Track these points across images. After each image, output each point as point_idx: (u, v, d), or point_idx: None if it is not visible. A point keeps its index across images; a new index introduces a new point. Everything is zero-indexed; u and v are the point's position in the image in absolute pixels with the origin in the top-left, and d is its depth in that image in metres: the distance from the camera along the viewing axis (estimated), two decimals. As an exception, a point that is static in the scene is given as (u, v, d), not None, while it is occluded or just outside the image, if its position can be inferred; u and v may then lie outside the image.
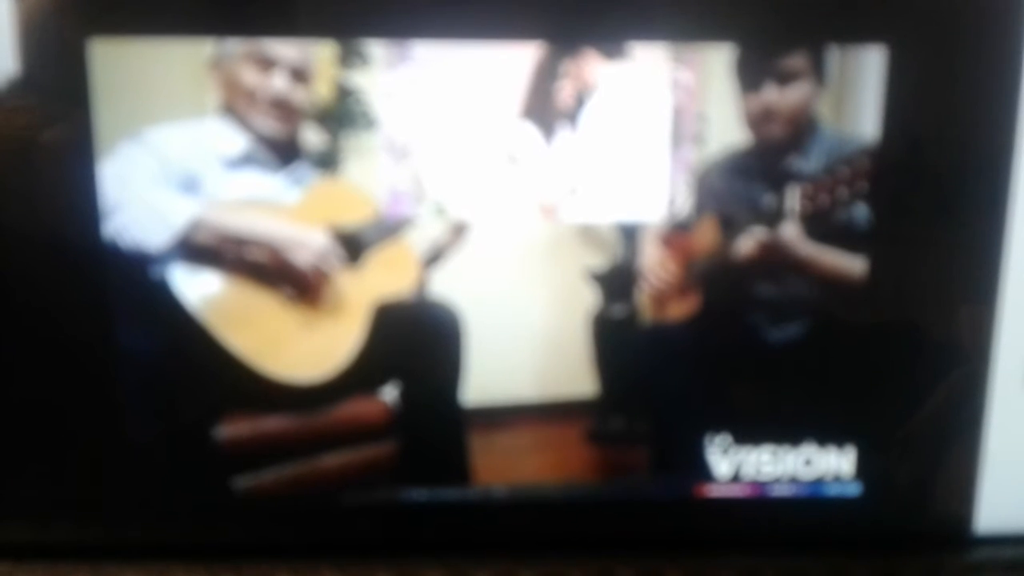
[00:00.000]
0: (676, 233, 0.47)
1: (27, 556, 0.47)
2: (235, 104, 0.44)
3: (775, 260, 0.47)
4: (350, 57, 0.43)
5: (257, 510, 0.48)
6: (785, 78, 0.45)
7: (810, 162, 0.46)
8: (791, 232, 0.46)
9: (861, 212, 0.46)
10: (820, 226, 0.46)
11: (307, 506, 0.48)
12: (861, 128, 0.45)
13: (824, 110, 0.45)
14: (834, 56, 0.44)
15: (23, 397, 0.46)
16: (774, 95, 0.45)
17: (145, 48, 0.42)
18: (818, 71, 0.44)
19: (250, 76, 0.43)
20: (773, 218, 0.46)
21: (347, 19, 0.43)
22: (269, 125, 0.44)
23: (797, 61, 0.44)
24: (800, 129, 0.45)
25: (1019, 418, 0.48)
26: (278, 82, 0.43)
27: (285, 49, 0.43)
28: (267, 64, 0.43)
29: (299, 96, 0.44)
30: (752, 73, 0.45)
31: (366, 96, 0.44)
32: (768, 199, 0.46)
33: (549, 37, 0.44)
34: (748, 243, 0.46)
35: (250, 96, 0.44)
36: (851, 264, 0.46)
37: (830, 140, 0.45)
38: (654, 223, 0.46)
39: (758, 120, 0.45)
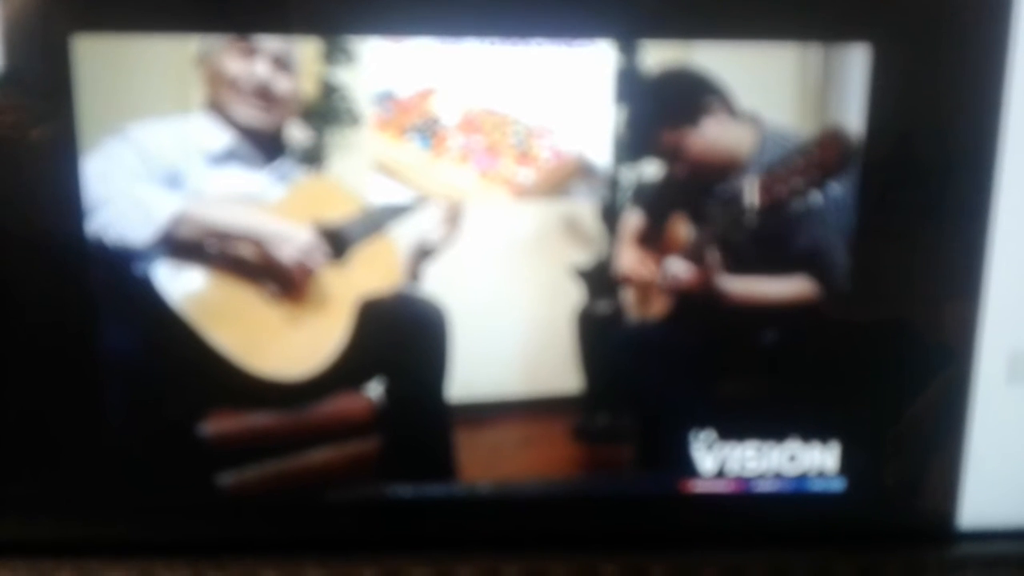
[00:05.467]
0: (650, 232, 0.47)
1: (10, 554, 0.47)
2: (220, 97, 0.44)
3: (705, 295, 0.47)
4: (335, 54, 0.43)
5: (242, 506, 0.48)
6: (674, 156, 0.45)
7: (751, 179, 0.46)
8: (715, 273, 0.46)
9: (799, 232, 0.46)
10: (752, 255, 0.46)
11: (292, 502, 0.48)
12: (846, 126, 0.45)
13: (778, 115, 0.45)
14: (817, 54, 0.44)
15: (5, 394, 0.45)
16: (683, 171, 0.46)
17: (129, 45, 0.42)
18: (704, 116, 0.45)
19: (233, 65, 0.43)
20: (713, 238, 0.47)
21: (332, 16, 0.43)
22: (253, 115, 0.44)
23: (670, 137, 0.45)
24: (730, 162, 0.46)
25: (1002, 415, 0.49)
26: (260, 69, 0.43)
27: (267, 38, 0.43)
28: (249, 52, 0.43)
29: (283, 86, 0.44)
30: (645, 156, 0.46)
31: (351, 93, 0.44)
32: (704, 223, 0.47)
33: (536, 32, 0.44)
34: (678, 280, 0.47)
35: (233, 85, 0.44)
36: (787, 288, 0.47)
37: (782, 139, 0.45)
38: (629, 224, 0.47)
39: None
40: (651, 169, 0.46)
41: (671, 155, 0.46)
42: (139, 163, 0.43)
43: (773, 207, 0.46)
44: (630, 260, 0.47)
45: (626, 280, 0.48)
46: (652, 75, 0.44)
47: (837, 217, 0.46)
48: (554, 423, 0.49)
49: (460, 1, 0.43)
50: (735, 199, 0.46)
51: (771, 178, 0.46)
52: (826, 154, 0.45)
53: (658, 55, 0.44)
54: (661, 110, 0.45)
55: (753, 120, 0.45)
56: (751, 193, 0.46)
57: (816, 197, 0.45)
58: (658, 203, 0.47)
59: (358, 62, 0.43)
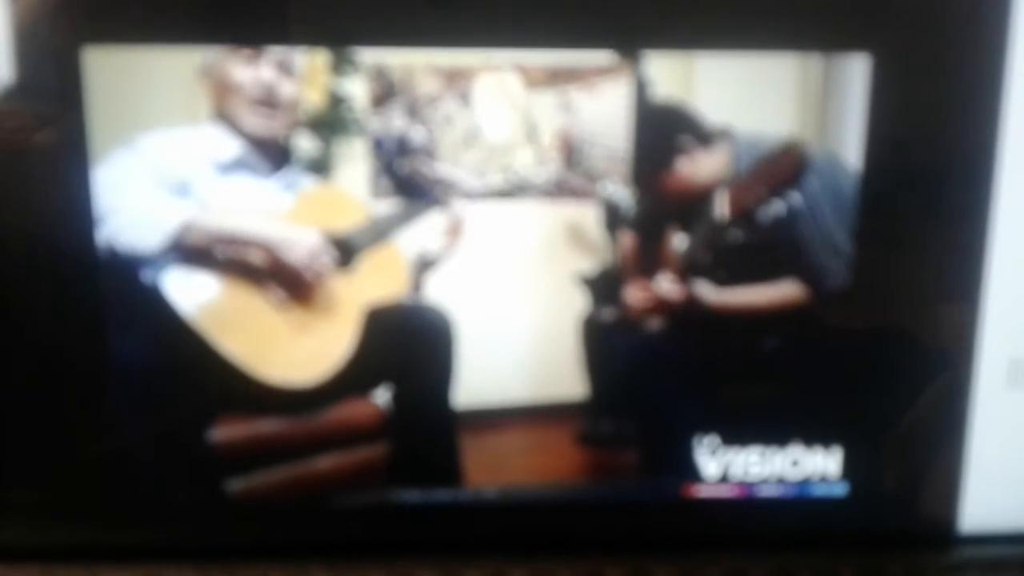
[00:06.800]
0: (645, 253, 0.48)
1: (21, 558, 0.47)
2: (226, 106, 0.44)
3: (693, 312, 0.48)
4: (342, 65, 0.44)
5: (250, 512, 0.48)
6: (654, 190, 0.46)
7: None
8: (700, 288, 0.47)
9: (785, 238, 0.47)
10: (742, 263, 0.47)
11: (300, 508, 0.49)
12: (845, 135, 0.45)
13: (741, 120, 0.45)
14: (818, 64, 0.45)
15: (17, 400, 0.46)
16: (665, 199, 0.46)
17: (138, 56, 0.42)
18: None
19: (237, 72, 0.44)
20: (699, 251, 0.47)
21: (339, 27, 0.43)
22: (259, 122, 0.45)
23: (650, 173, 0.46)
24: (709, 187, 0.46)
25: (1003, 419, 0.49)
26: (264, 73, 0.44)
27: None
28: (252, 57, 0.43)
29: (286, 90, 0.44)
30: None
31: (357, 103, 0.44)
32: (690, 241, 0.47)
33: (540, 44, 0.44)
34: (669, 298, 0.47)
35: (239, 92, 0.44)
36: (779, 293, 0.47)
37: (756, 145, 0.46)
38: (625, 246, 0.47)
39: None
40: (640, 195, 0.47)
41: (650, 188, 0.46)
42: (149, 173, 0.44)
43: (745, 215, 0.46)
44: (632, 293, 0.48)
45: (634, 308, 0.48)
46: (635, 114, 0.45)
47: (827, 222, 0.46)
48: (559, 429, 0.49)
49: (465, 12, 0.43)
50: (716, 212, 0.47)
51: (737, 188, 0.46)
52: (783, 165, 0.45)
53: (659, 65, 0.44)
54: (640, 151, 0.46)
55: (724, 135, 0.45)
56: (723, 203, 0.46)
57: (781, 205, 0.46)
58: (648, 224, 0.47)
59: (365, 73, 0.44)
